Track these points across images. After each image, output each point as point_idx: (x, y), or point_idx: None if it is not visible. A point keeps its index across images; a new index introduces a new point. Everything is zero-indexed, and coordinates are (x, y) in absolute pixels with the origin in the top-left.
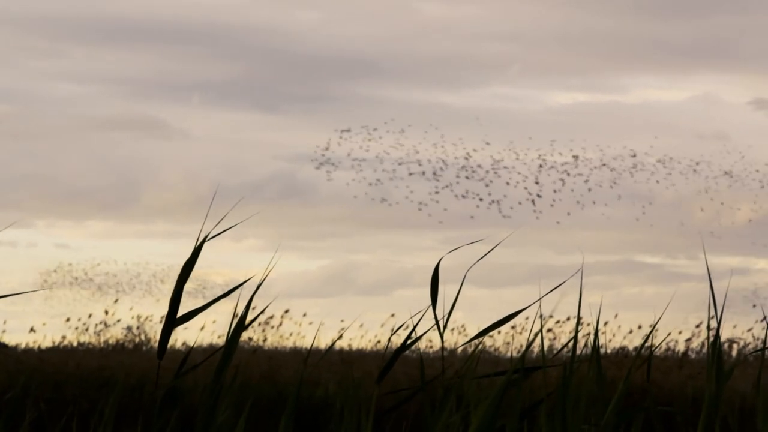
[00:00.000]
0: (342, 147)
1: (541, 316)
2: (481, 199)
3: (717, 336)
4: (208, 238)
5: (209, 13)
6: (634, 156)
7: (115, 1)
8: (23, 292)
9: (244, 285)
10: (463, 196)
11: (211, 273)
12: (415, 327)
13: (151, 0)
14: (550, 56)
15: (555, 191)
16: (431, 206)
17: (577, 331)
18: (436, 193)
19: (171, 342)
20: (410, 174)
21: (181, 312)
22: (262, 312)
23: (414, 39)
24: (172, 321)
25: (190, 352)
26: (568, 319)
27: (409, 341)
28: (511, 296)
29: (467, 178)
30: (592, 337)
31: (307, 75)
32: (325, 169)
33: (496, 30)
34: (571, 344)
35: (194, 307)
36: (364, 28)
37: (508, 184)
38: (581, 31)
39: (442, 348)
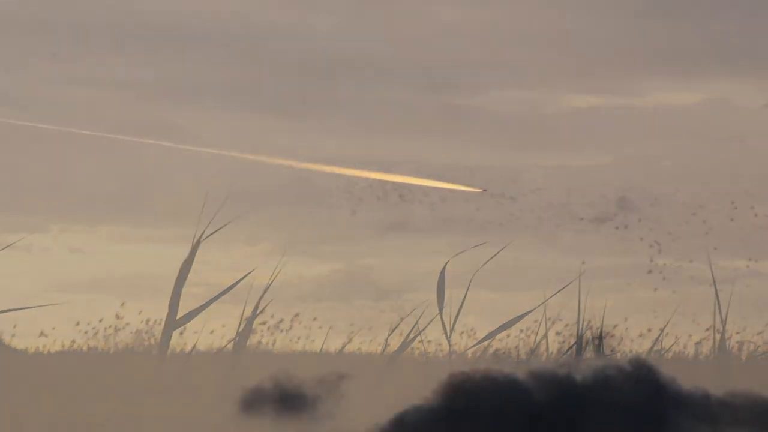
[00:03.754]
0: (355, 151)
1: (548, 319)
2: (497, 203)
3: (722, 337)
4: (203, 238)
5: (225, 17)
6: (649, 158)
7: (129, 7)
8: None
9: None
10: (479, 200)
11: (222, 277)
12: (414, 327)
13: (166, 5)
14: (565, 60)
15: (568, 194)
16: (444, 211)
17: (579, 335)
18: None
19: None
20: (423, 178)
21: (182, 313)
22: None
23: (431, 43)
24: (172, 321)
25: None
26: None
27: (407, 341)
28: (524, 300)
29: (480, 183)
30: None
31: (323, 79)
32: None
33: (512, 34)
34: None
35: (204, 310)
36: (382, 32)
37: (523, 187)
38: (596, 35)
39: (450, 351)
